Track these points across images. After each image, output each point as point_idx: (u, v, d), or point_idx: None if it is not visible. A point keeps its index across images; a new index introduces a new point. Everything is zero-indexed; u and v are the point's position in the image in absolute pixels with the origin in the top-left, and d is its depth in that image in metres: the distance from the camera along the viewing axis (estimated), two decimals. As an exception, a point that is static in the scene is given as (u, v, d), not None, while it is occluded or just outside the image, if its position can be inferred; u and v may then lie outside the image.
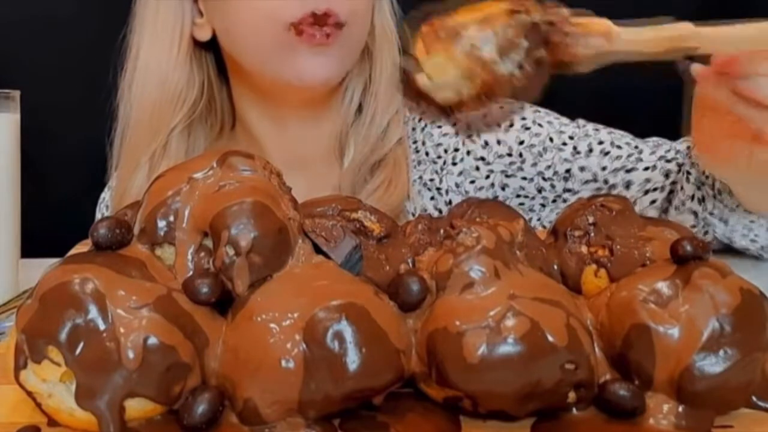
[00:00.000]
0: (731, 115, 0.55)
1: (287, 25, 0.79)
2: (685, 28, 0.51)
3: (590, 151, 0.87)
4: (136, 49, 0.88)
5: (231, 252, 0.43)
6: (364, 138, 0.89)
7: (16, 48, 1.28)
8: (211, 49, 0.90)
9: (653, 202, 0.84)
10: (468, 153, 0.91)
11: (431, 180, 0.92)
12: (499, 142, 0.90)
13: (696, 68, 0.53)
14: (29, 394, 0.42)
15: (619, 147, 0.87)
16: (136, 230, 0.46)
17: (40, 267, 0.46)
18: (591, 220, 0.50)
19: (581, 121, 0.91)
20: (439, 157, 0.92)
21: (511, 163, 0.90)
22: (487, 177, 0.91)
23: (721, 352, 0.42)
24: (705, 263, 0.45)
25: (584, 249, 0.50)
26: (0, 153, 0.72)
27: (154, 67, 0.87)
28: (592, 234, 0.50)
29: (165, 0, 0.86)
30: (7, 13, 1.29)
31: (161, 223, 0.45)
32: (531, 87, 0.51)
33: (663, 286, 0.44)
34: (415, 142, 0.94)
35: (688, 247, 0.45)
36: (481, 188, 0.91)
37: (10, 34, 1.29)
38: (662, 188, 0.84)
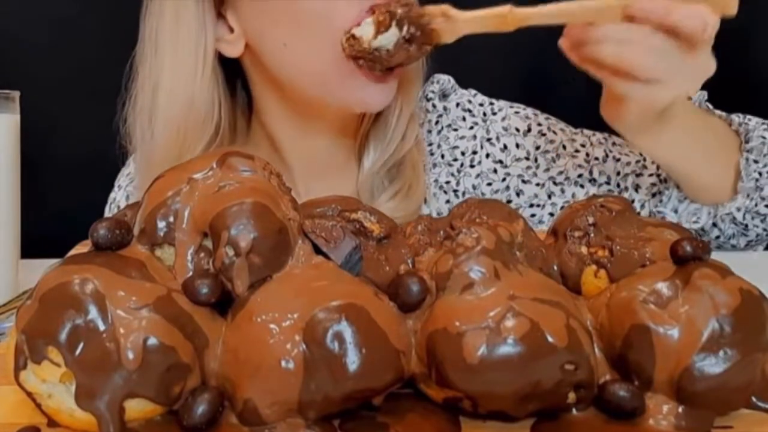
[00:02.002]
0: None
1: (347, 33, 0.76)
2: (506, 9, 0.66)
3: (606, 156, 0.90)
4: (154, 79, 0.83)
5: (231, 252, 0.43)
6: (388, 142, 0.88)
7: (16, 48, 1.28)
8: (221, 61, 0.86)
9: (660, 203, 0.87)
10: (487, 156, 0.92)
11: (447, 182, 0.92)
12: (518, 146, 0.91)
13: (560, 41, 0.67)
14: (29, 394, 0.42)
15: (626, 155, 0.91)
16: (135, 231, 0.46)
17: (40, 267, 0.46)
18: (591, 220, 0.51)
19: (586, 131, 0.94)
20: (456, 159, 0.92)
21: (528, 168, 0.91)
22: (504, 180, 0.91)
23: (721, 353, 0.42)
24: (705, 264, 0.45)
25: (584, 249, 0.50)
26: (0, 153, 0.72)
27: (181, 93, 0.83)
28: (592, 234, 0.50)
29: (184, 20, 0.82)
30: (7, 14, 1.29)
31: (161, 224, 0.45)
32: (397, 56, 0.74)
33: (663, 287, 0.44)
34: (430, 144, 0.94)
35: (688, 248, 0.45)
36: (497, 191, 0.91)
37: (11, 34, 1.29)
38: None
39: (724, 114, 0.85)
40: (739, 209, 0.81)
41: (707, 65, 0.66)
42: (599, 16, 0.64)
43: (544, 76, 1.27)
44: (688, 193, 0.84)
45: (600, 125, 0.95)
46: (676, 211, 0.84)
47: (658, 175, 0.87)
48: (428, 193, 0.91)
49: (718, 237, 0.85)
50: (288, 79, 0.83)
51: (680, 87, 0.67)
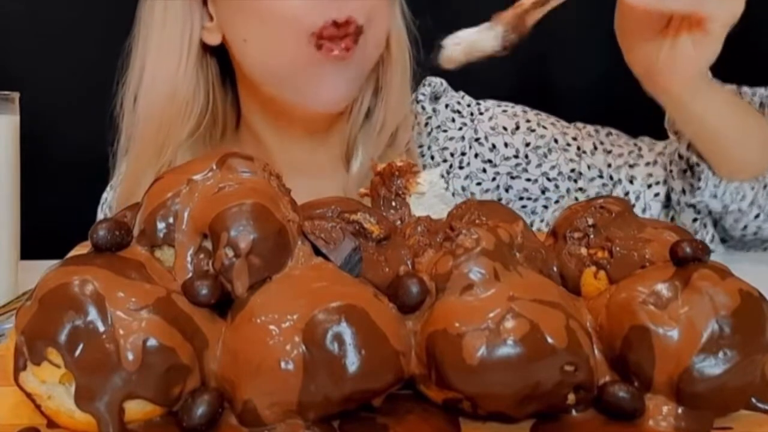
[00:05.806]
0: (652, 24, 0.67)
1: (308, 35, 0.77)
2: None
3: (595, 149, 0.91)
4: (142, 59, 0.85)
5: (230, 253, 0.43)
6: (374, 145, 0.88)
7: (16, 49, 1.28)
8: (214, 51, 0.87)
9: (656, 195, 0.87)
10: (476, 156, 0.92)
11: None
12: (506, 145, 0.92)
13: None
14: (29, 395, 0.42)
15: (620, 146, 0.91)
16: (135, 232, 0.46)
17: (40, 269, 0.46)
18: (590, 221, 0.51)
19: (579, 124, 0.94)
20: (445, 160, 0.93)
21: (517, 165, 0.91)
22: (494, 179, 0.92)
23: (721, 354, 0.42)
24: (704, 265, 0.45)
25: (583, 251, 0.50)
26: (0, 154, 0.72)
27: (162, 79, 0.84)
28: (592, 236, 0.50)
29: (172, 6, 0.83)
30: (7, 14, 1.29)
31: (160, 225, 0.45)
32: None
33: (662, 288, 0.44)
34: (420, 146, 0.94)
35: (688, 249, 0.45)
36: (487, 190, 0.92)
37: (11, 35, 1.29)
38: (664, 182, 0.87)
39: (734, 87, 0.84)
40: None
41: None
42: None
43: (541, 78, 1.28)
44: (726, 170, 0.80)
45: (597, 117, 0.96)
46: (715, 196, 0.81)
47: (655, 162, 0.87)
48: None
49: (757, 216, 0.83)
50: (251, 74, 0.84)
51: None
